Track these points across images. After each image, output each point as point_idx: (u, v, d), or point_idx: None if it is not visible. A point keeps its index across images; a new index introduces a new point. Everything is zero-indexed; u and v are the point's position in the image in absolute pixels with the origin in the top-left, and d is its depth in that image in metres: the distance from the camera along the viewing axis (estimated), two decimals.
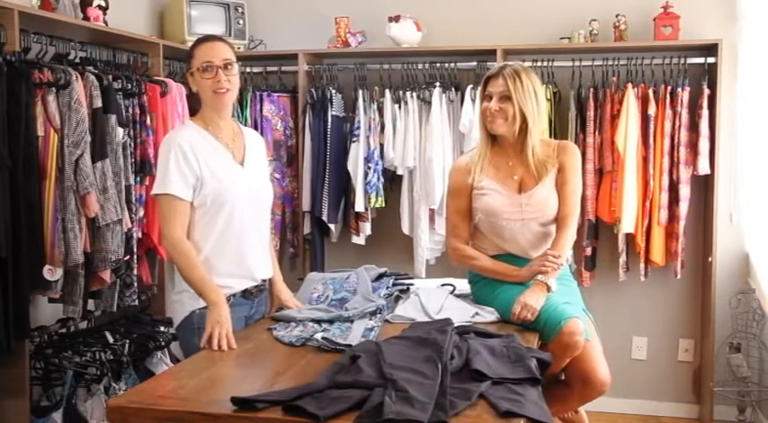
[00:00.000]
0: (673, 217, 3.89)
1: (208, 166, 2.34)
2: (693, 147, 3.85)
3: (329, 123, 4.14)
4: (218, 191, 2.34)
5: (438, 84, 4.06)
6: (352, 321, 2.31)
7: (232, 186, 2.37)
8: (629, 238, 3.95)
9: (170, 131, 2.61)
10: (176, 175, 2.30)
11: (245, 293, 2.45)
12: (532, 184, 2.59)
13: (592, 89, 3.94)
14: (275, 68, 4.31)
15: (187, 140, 2.34)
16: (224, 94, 2.38)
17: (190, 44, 2.54)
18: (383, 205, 4.16)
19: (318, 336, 2.14)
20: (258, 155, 2.56)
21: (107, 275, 3.13)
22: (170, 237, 2.32)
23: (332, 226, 4.20)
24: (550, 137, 3.80)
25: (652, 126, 3.84)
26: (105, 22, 3.45)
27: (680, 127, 3.83)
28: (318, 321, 2.33)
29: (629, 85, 3.83)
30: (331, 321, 2.33)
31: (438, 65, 4.13)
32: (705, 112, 3.81)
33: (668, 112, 3.84)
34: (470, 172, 2.65)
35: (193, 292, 2.34)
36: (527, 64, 3.98)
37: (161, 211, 2.36)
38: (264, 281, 2.53)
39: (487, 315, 2.46)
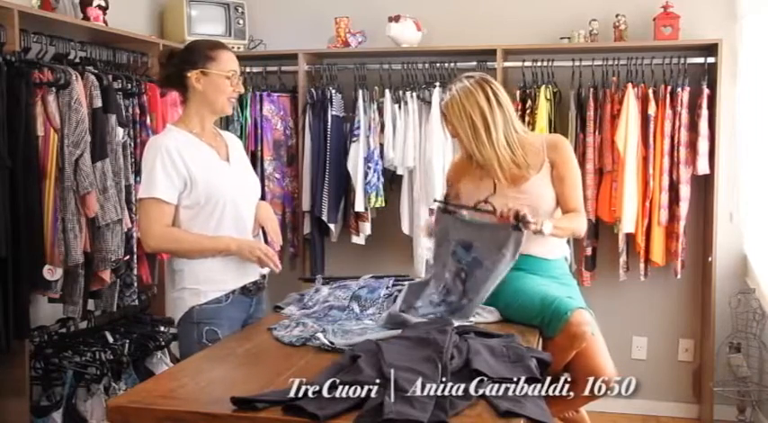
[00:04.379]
0: (673, 217, 3.89)
1: (196, 166, 2.37)
2: (693, 147, 3.85)
3: (329, 123, 4.14)
4: (210, 188, 2.37)
5: (438, 84, 4.06)
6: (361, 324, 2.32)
7: (223, 183, 2.41)
8: (630, 237, 3.95)
9: (153, 136, 2.64)
10: (163, 179, 2.33)
11: (244, 291, 2.47)
12: (521, 180, 2.58)
13: (592, 89, 3.94)
14: (275, 68, 4.31)
15: (173, 143, 2.37)
16: (233, 102, 2.50)
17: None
18: (383, 205, 4.16)
19: (319, 335, 2.15)
20: (240, 152, 2.61)
21: (107, 275, 3.14)
22: (155, 233, 2.36)
23: (332, 226, 4.20)
24: None
25: (652, 126, 3.84)
26: (105, 22, 3.45)
27: (680, 127, 3.83)
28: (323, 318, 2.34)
29: (629, 85, 3.83)
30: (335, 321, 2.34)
31: (438, 65, 4.13)
32: (705, 112, 3.81)
33: (668, 112, 3.84)
34: (464, 168, 2.70)
35: (193, 288, 2.39)
36: (527, 64, 4.01)
37: (146, 213, 2.38)
38: (264, 277, 2.55)
39: (487, 315, 2.45)
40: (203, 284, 2.40)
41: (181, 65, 2.43)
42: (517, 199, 2.53)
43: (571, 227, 2.55)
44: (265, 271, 2.56)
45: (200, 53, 2.43)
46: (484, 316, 2.45)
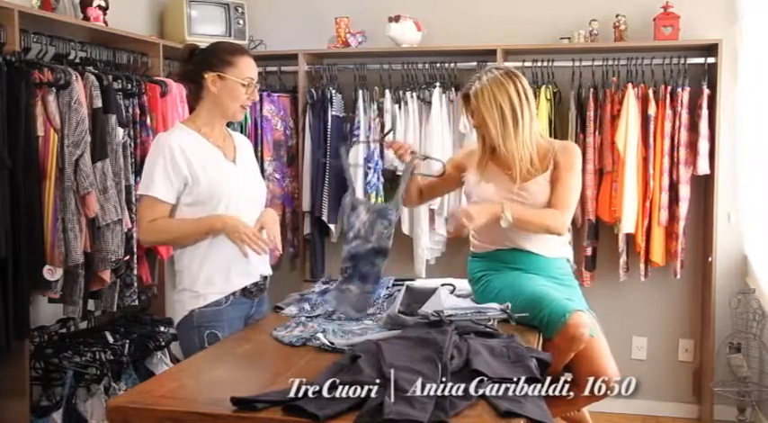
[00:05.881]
0: (673, 217, 3.90)
1: (200, 165, 2.38)
2: (693, 147, 3.85)
3: (329, 123, 4.14)
4: (213, 187, 2.38)
5: (438, 84, 4.07)
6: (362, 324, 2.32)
7: (226, 183, 2.41)
8: (630, 238, 3.95)
9: (161, 133, 2.64)
10: (161, 178, 2.35)
11: (245, 292, 2.46)
12: (527, 180, 2.57)
13: (592, 89, 3.94)
14: (275, 68, 4.31)
15: (177, 142, 2.38)
16: (246, 109, 2.50)
17: (201, 45, 2.54)
18: None
19: (319, 336, 2.15)
20: (248, 154, 2.62)
21: (107, 275, 3.14)
22: (142, 228, 2.41)
23: (332, 226, 4.20)
24: (551, 137, 3.79)
25: (652, 126, 3.84)
26: (105, 22, 3.45)
27: (680, 127, 3.83)
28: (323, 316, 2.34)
29: (630, 86, 3.84)
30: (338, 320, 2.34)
31: (438, 65, 4.13)
32: (705, 113, 3.81)
33: (668, 112, 3.84)
34: (474, 159, 2.68)
35: (193, 290, 2.39)
36: (527, 64, 4.00)
37: (141, 209, 2.42)
38: (265, 278, 2.54)
39: (491, 311, 2.43)
40: (203, 287, 2.40)
41: (200, 64, 2.44)
42: (519, 197, 2.54)
43: (537, 220, 2.49)
44: (267, 272, 2.55)
45: (220, 56, 2.43)
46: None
